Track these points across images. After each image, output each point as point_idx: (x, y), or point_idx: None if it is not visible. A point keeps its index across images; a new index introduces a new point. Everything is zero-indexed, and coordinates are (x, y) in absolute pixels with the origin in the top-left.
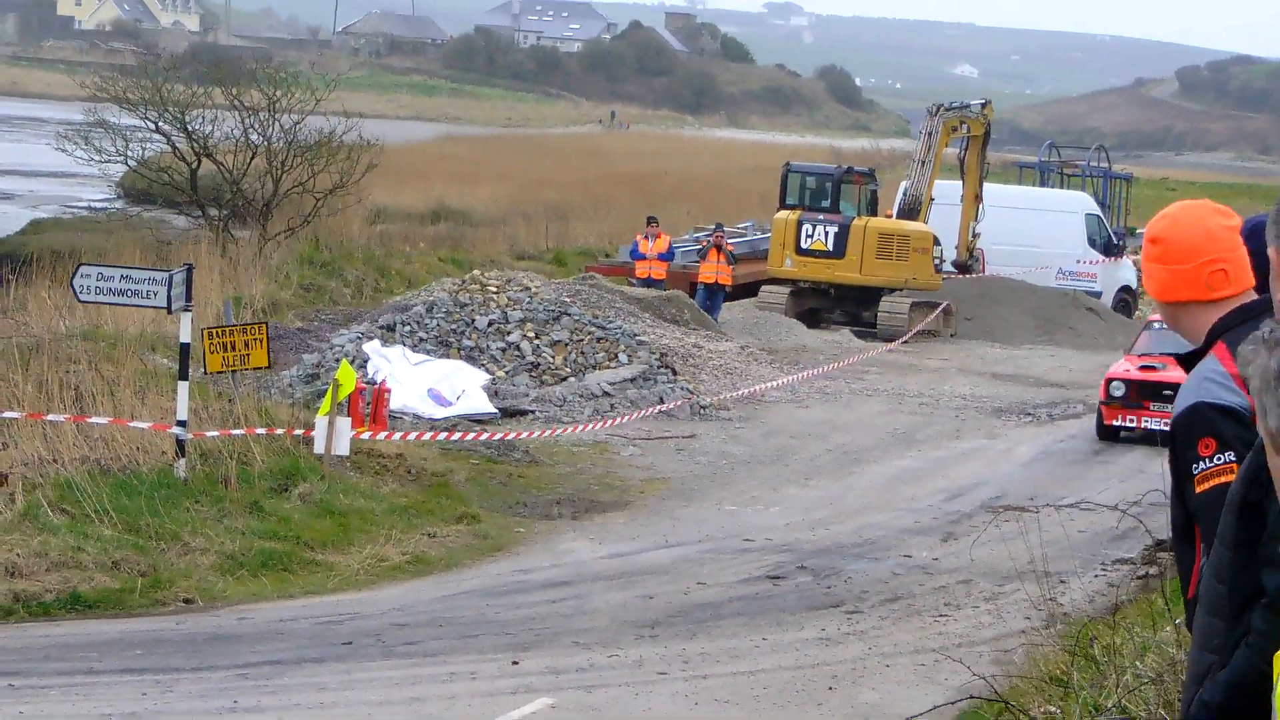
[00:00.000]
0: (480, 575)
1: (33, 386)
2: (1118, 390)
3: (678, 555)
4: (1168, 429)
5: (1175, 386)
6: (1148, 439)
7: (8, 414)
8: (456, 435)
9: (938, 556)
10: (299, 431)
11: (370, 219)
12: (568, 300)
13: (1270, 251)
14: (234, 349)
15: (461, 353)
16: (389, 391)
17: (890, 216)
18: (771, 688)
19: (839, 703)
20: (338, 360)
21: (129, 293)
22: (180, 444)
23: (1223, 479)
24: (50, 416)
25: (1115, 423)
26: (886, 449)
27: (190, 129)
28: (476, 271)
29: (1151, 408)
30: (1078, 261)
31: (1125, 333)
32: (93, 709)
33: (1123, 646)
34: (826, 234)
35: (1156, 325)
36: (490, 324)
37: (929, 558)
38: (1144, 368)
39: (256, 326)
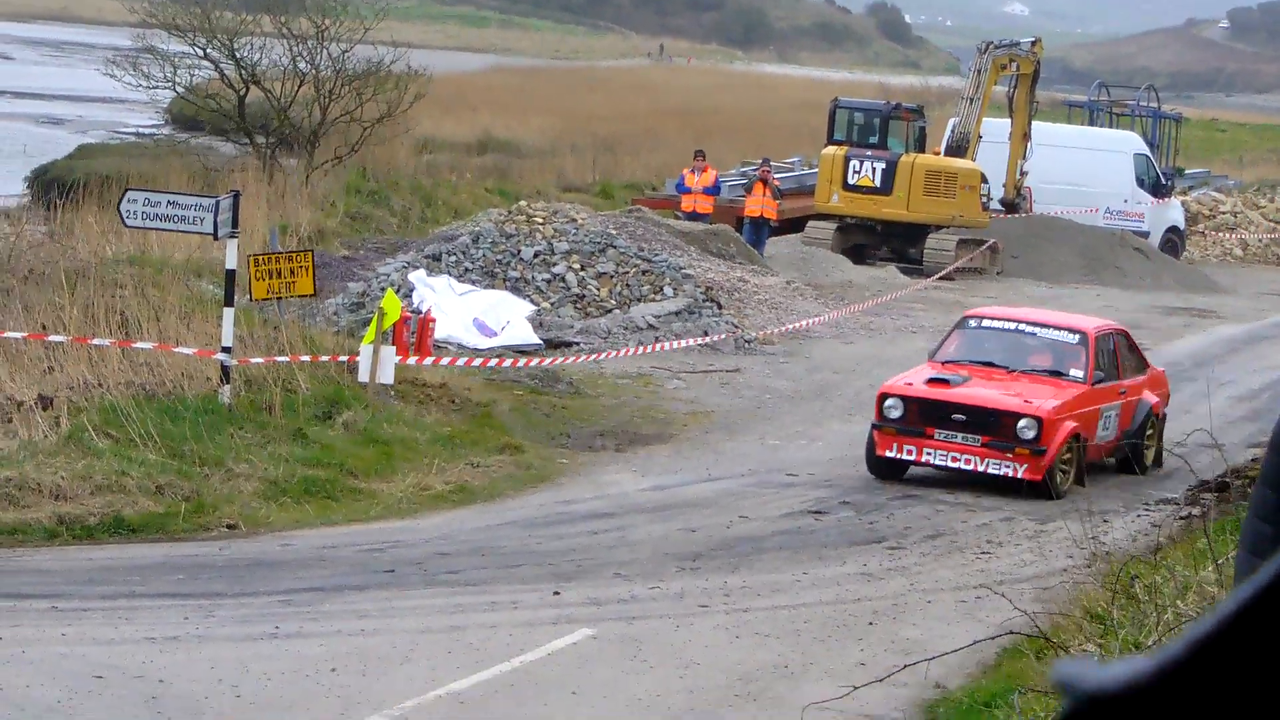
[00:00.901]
0: (523, 506)
1: (79, 311)
2: (893, 410)
3: (720, 489)
4: None
5: (973, 410)
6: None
7: (54, 338)
8: (501, 364)
9: (979, 494)
10: (343, 359)
11: (417, 149)
12: (614, 233)
13: None
14: (280, 276)
15: (507, 283)
16: (434, 321)
17: (938, 154)
18: (812, 622)
19: (879, 638)
20: (383, 289)
21: (175, 218)
22: (225, 370)
23: None
24: (96, 341)
25: (889, 453)
26: None
27: (238, 56)
28: (523, 202)
29: (937, 436)
30: (1125, 201)
31: (1172, 274)
32: (135, 632)
33: (1164, 586)
34: (874, 170)
35: (974, 323)
36: (536, 255)
37: (971, 495)
38: (934, 380)
39: (302, 254)
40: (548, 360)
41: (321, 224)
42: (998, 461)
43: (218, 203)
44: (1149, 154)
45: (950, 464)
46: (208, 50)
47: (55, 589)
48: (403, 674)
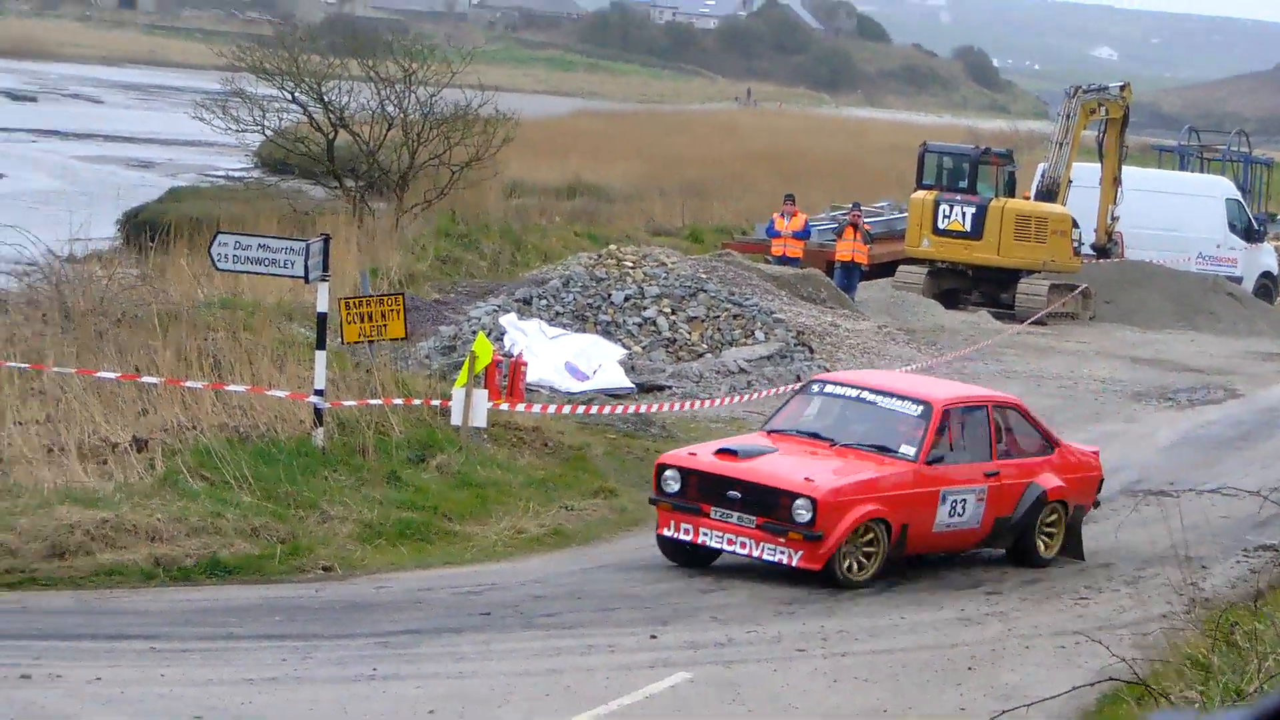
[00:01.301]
0: (617, 549)
1: (171, 353)
2: (671, 483)
3: None
4: None
5: (748, 487)
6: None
7: (147, 379)
8: (594, 410)
9: None
10: (436, 402)
11: (506, 192)
12: (704, 276)
13: None
14: (371, 319)
15: (598, 327)
16: (525, 365)
17: (1028, 198)
18: (910, 666)
19: (978, 683)
20: (474, 332)
21: (266, 261)
22: (318, 413)
23: None
24: (189, 383)
25: (667, 531)
26: None
27: (326, 100)
28: (613, 246)
29: (714, 515)
30: (1218, 246)
31: (1266, 320)
32: (234, 673)
33: (1265, 633)
34: (964, 215)
35: (817, 388)
36: (627, 299)
37: None
38: (722, 452)
39: (393, 297)
40: (635, 409)
41: (412, 267)
42: (772, 546)
43: (308, 246)
44: (1240, 199)
45: (726, 547)
46: (296, 94)
47: (153, 630)
48: (500, 716)
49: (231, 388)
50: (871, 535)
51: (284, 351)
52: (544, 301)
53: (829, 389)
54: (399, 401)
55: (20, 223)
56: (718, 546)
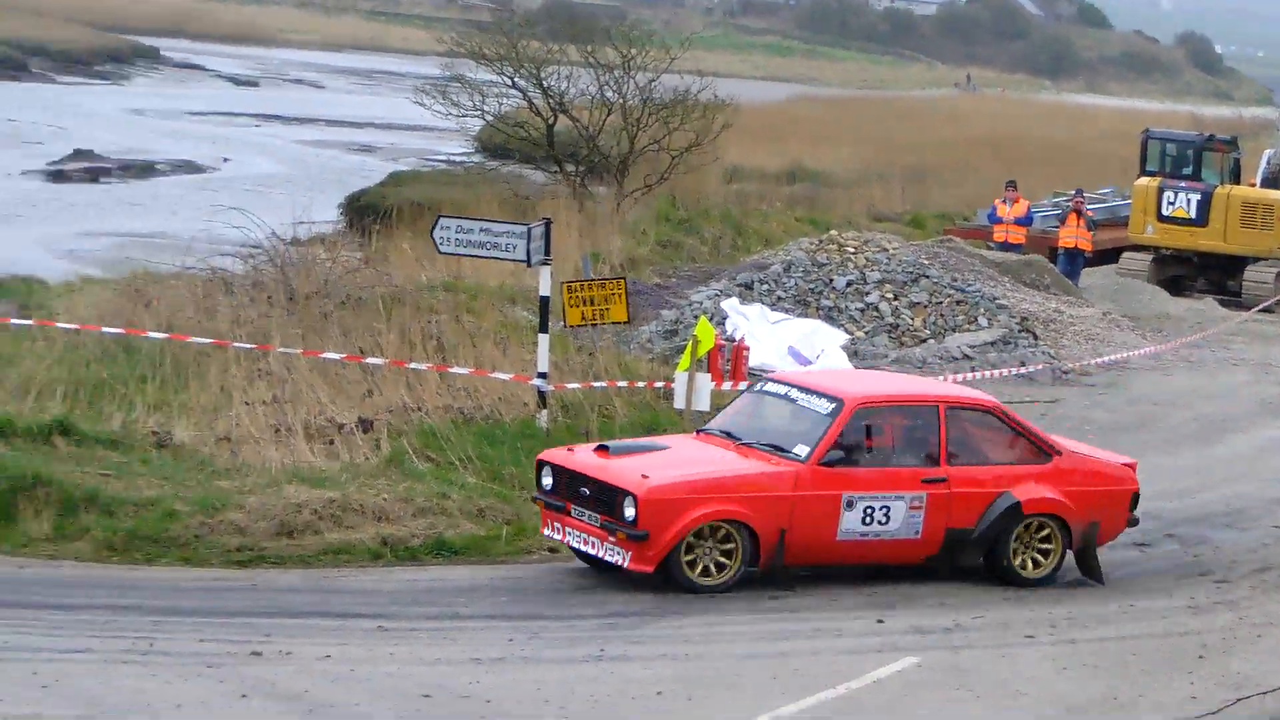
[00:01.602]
0: None
1: (396, 335)
2: (545, 479)
3: None
4: None
5: (592, 483)
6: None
7: (372, 361)
8: None
9: None
10: (659, 385)
11: (726, 177)
12: (926, 262)
13: None
14: (593, 303)
15: (820, 312)
16: (748, 349)
17: (1254, 185)
18: (1140, 654)
19: (1209, 671)
20: (696, 317)
21: (488, 245)
22: (541, 395)
23: None
24: (413, 365)
25: (546, 530)
26: (1253, 419)
27: (546, 85)
28: (834, 231)
29: (573, 513)
30: None
31: None
32: (461, 653)
33: None
34: (1189, 201)
35: (760, 385)
36: (849, 284)
37: None
38: (601, 448)
39: (615, 281)
40: None
41: (632, 252)
42: (610, 546)
43: (530, 230)
44: None
45: (583, 546)
46: (515, 79)
47: (381, 609)
48: (728, 699)
49: (455, 370)
50: (725, 541)
51: (506, 334)
52: (765, 286)
53: (767, 387)
54: (622, 384)
55: (244, 206)
56: (578, 546)
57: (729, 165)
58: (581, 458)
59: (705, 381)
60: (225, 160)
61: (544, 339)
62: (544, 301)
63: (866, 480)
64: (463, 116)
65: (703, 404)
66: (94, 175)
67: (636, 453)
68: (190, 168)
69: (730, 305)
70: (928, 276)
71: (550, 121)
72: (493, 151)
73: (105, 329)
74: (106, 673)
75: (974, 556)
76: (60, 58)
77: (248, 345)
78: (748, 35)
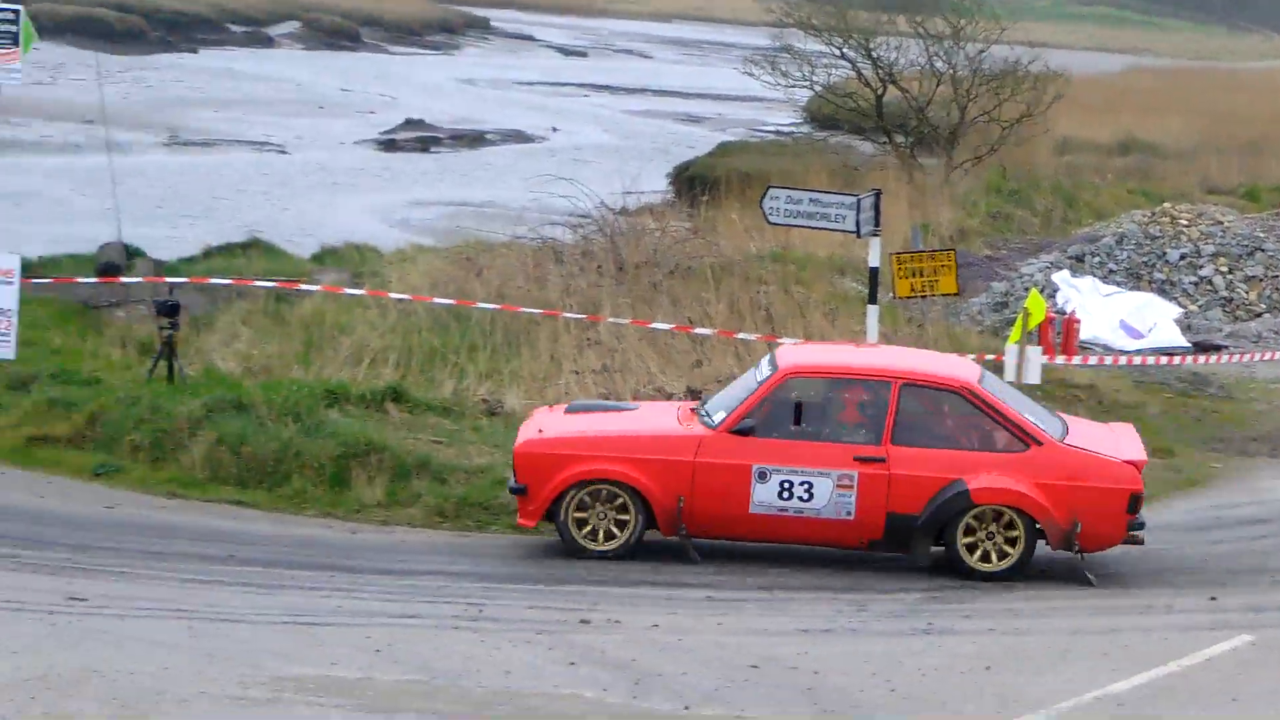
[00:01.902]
0: (1172, 510)
1: (724, 305)
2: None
3: None
4: None
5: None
6: None
7: (700, 331)
8: (1148, 363)
9: None
10: (990, 357)
11: (1057, 149)
12: (1262, 235)
13: None
14: (922, 275)
15: (1152, 285)
16: (1079, 322)
17: None
18: None
19: None
20: (1027, 289)
21: (817, 215)
22: None
23: None
24: (742, 335)
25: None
26: None
27: (874, 56)
28: (1167, 204)
29: None
30: None
31: None
32: (789, 624)
33: None
34: None
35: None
36: (1182, 257)
37: None
38: (572, 410)
39: (945, 253)
40: (1198, 360)
41: (963, 223)
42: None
43: (859, 201)
44: None
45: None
46: (844, 50)
47: (709, 579)
48: (1059, 674)
49: (783, 340)
50: (622, 502)
51: (835, 305)
52: (1097, 259)
53: (765, 359)
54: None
55: (573, 176)
56: None
57: (1060, 137)
58: (553, 416)
59: (1036, 354)
60: (554, 130)
61: (873, 310)
62: (873, 272)
63: (783, 452)
64: (791, 87)
65: (1033, 377)
66: (424, 144)
67: (586, 412)
68: (519, 137)
69: (1061, 278)
70: (1264, 250)
71: (879, 92)
72: (821, 122)
73: (436, 300)
74: (437, 638)
75: (924, 544)
76: (393, 28)
77: (578, 315)
78: (1080, 5)
